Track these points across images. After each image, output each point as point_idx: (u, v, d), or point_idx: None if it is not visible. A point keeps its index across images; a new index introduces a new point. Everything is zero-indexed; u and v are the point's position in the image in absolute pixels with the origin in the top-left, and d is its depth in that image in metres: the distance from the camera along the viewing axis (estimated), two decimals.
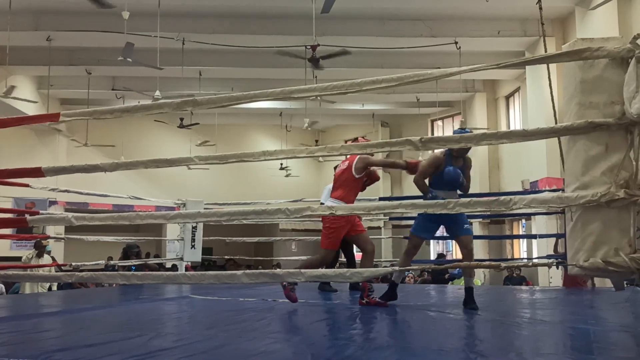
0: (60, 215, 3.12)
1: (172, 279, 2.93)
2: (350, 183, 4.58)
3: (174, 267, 11.22)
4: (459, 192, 4.53)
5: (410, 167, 4.45)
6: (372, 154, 4.61)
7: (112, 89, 15.21)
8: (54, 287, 8.39)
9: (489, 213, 6.14)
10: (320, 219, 5.88)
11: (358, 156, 4.56)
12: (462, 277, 10.96)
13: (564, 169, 2.53)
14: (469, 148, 4.31)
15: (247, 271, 2.83)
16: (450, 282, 11.19)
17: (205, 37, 12.08)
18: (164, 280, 3.47)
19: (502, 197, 2.50)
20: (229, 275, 2.80)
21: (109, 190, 8.46)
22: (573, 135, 2.47)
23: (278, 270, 2.92)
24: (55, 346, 3.09)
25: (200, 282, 2.85)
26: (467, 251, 4.45)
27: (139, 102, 15.61)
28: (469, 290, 4.57)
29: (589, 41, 2.48)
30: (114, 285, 7.78)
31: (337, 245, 4.53)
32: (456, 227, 4.45)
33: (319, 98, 13.27)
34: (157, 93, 11.40)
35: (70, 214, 3.07)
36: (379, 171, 5.06)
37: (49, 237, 7.97)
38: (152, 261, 10.83)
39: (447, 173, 4.26)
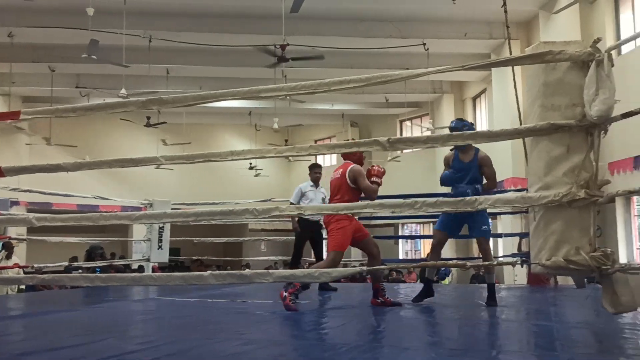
0: (21, 216, 3.05)
1: (138, 280, 2.89)
2: (347, 190, 4.54)
3: (141, 268, 11.05)
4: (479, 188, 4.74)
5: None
6: (361, 171, 4.57)
7: (76, 87, 14.90)
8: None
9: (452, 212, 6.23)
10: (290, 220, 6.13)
11: (350, 167, 4.55)
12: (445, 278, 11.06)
13: (528, 169, 2.58)
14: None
15: (215, 272, 2.80)
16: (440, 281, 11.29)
17: (173, 35, 11.93)
18: (130, 282, 3.41)
19: (468, 197, 2.54)
20: (196, 277, 2.77)
21: (73, 190, 8.29)
22: (536, 136, 2.52)
23: (246, 271, 2.90)
24: (19, 350, 3.01)
25: (167, 284, 2.81)
26: (482, 251, 4.74)
27: (104, 100, 15.36)
28: (490, 286, 4.83)
29: (551, 44, 2.53)
30: (79, 287, 7.65)
31: (345, 245, 4.47)
32: (474, 228, 4.74)
33: (288, 97, 13.26)
34: (123, 91, 11.21)
35: (31, 215, 3.00)
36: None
37: (13, 239, 7.79)
38: (118, 262, 10.67)
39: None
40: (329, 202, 4.78)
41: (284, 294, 4.35)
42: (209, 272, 2.78)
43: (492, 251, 4.87)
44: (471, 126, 4.90)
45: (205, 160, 2.89)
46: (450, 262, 5.76)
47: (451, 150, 4.91)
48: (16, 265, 7.31)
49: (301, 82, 2.97)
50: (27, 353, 2.92)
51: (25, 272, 7.48)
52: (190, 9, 11.60)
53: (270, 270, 2.73)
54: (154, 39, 11.80)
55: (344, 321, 4.18)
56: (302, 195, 6.38)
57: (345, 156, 4.78)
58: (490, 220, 5.03)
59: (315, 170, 6.56)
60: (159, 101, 2.89)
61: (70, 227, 3.32)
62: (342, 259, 4.86)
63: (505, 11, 8.04)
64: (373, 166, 4.65)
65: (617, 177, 9.49)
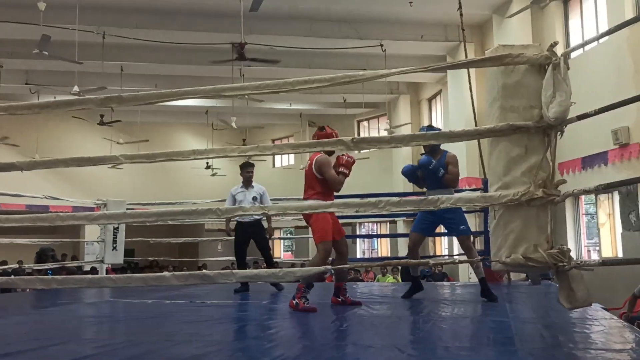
0: None
1: (96, 282, 2.81)
2: (316, 182, 4.46)
3: (94, 270, 10.78)
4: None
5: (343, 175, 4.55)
6: (327, 160, 4.49)
7: (26, 84, 14.40)
8: None
9: (414, 212, 6.36)
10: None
11: (316, 157, 4.45)
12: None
13: (488, 169, 2.64)
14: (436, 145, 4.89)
15: (176, 273, 2.76)
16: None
17: (127, 32, 11.67)
18: (87, 284, 3.32)
19: (430, 197, 2.58)
20: (157, 278, 2.72)
21: (21, 189, 7.98)
22: (496, 137, 2.58)
23: (209, 271, 2.87)
24: None
25: (127, 285, 2.75)
26: (465, 248, 4.96)
27: (54, 98, 14.89)
28: (482, 281, 5.00)
29: (510, 48, 2.60)
30: (28, 290, 7.40)
31: (329, 233, 4.40)
32: (453, 229, 5.04)
33: (246, 97, 13.17)
34: (76, 88, 10.89)
35: None
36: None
37: None
38: (71, 264, 10.37)
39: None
40: (303, 197, 4.56)
41: (294, 302, 4.31)
42: (170, 273, 2.73)
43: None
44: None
45: (167, 160, 2.84)
46: (412, 261, 5.87)
47: (422, 154, 5.16)
48: None
49: (263, 81, 2.95)
50: None
51: None
52: (145, 5, 11.39)
53: (234, 271, 2.71)
54: (107, 35, 11.52)
55: (306, 320, 4.19)
56: (234, 198, 6.15)
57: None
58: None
59: (246, 170, 6.24)
60: (118, 99, 2.82)
61: (18, 228, 3.19)
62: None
63: (461, 14, 8.23)
64: (342, 155, 4.52)
65: (566, 176, 9.82)
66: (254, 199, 6.05)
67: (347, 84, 2.74)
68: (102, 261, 8.32)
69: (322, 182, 4.46)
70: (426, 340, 3.28)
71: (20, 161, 2.93)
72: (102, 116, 14.45)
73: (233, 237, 6.56)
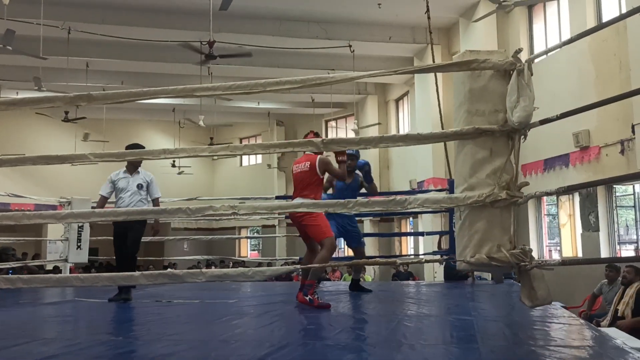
0: None
1: (63, 281, 2.78)
2: (316, 184, 4.55)
3: (56, 269, 10.58)
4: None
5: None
6: (329, 160, 4.63)
7: None
8: None
9: (382, 212, 6.48)
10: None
11: (319, 158, 4.54)
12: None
13: (455, 171, 2.71)
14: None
15: (145, 272, 2.75)
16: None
17: (93, 27, 11.47)
18: (54, 283, 3.28)
19: (399, 197, 2.64)
20: (126, 277, 2.71)
21: None
22: (462, 140, 2.66)
23: (178, 270, 2.87)
24: None
25: (95, 285, 2.73)
26: (362, 254, 5.52)
27: (17, 93, 14.53)
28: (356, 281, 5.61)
29: (477, 53, 2.68)
30: None
31: (330, 228, 4.55)
32: (355, 239, 5.56)
33: (215, 95, 13.08)
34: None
35: None
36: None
37: None
38: (33, 263, 10.15)
39: None
40: (294, 196, 4.63)
41: (306, 297, 4.33)
42: (139, 272, 2.72)
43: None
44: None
45: (137, 159, 2.83)
46: (381, 259, 6.02)
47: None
48: None
49: (232, 79, 2.97)
50: None
51: None
52: (112, 1, 11.21)
53: (203, 270, 2.72)
54: (73, 30, 11.30)
55: (272, 319, 4.21)
56: (113, 185, 5.36)
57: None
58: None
59: None
60: (88, 97, 2.79)
61: None
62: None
63: (429, 17, 8.36)
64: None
65: (529, 178, 10.07)
66: (139, 186, 5.30)
67: (318, 86, 2.78)
68: (66, 260, 8.18)
69: (318, 182, 4.57)
70: (391, 339, 3.34)
71: None
72: (66, 112, 14.16)
73: (198, 237, 6.44)
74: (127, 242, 5.27)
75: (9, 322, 4.08)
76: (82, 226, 8.12)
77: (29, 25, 10.21)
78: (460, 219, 2.64)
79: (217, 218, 11.97)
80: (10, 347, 3.04)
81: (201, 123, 14.63)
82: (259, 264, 15.65)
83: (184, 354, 2.87)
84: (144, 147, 5.23)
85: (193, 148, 2.89)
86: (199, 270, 2.68)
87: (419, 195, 2.86)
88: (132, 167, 5.28)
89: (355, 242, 5.53)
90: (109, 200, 5.49)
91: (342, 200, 2.71)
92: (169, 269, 9.38)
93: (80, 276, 2.73)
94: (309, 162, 4.59)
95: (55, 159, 2.84)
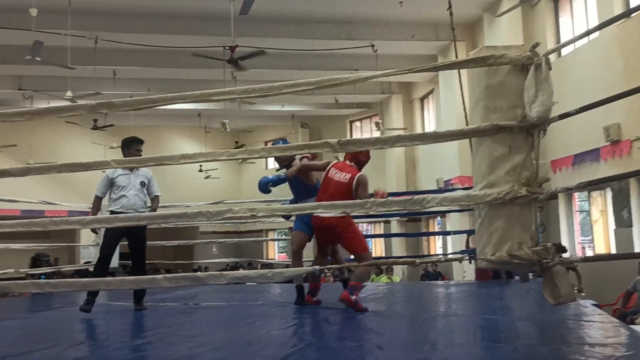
0: None
1: (89, 285, 2.84)
2: (346, 196, 4.42)
3: (89, 273, 10.78)
4: None
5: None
6: (367, 182, 4.57)
7: (19, 89, 14.38)
8: None
9: (405, 211, 6.41)
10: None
11: (359, 177, 4.49)
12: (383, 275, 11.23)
13: (473, 168, 2.68)
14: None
15: (168, 275, 2.80)
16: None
17: (120, 37, 11.68)
18: (81, 287, 3.35)
19: (417, 196, 2.62)
20: (149, 280, 2.75)
21: (17, 194, 7.97)
22: (480, 137, 2.63)
23: (199, 273, 2.90)
24: None
25: (120, 288, 2.79)
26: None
27: (48, 103, 14.87)
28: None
29: (493, 49, 2.65)
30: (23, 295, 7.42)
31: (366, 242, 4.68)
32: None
33: (238, 100, 13.18)
34: (69, 93, 10.89)
35: None
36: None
37: None
38: (66, 268, 10.38)
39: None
40: (321, 199, 4.41)
41: (353, 297, 4.28)
42: (162, 275, 2.76)
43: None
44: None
45: (157, 164, 2.87)
46: (400, 259, 5.91)
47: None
48: None
49: (254, 83, 2.99)
50: None
51: None
52: (137, 9, 11.39)
53: (224, 272, 2.75)
54: (100, 40, 11.52)
55: (296, 320, 4.23)
56: (111, 182, 4.82)
57: (352, 156, 4.61)
58: None
59: (135, 148, 4.84)
60: (108, 105, 2.85)
61: (12, 234, 3.19)
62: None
63: (451, 14, 8.25)
64: (380, 191, 4.62)
65: (558, 174, 9.89)
66: (142, 184, 4.89)
67: (334, 86, 2.78)
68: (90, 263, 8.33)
69: (350, 197, 4.43)
70: (414, 339, 3.32)
71: (13, 167, 2.96)
72: (95, 120, 14.46)
73: (227, 240, 6.33)
74: (134, 246, 4.86)
75: (41, 325, 4.18)
76: None
77: (57, 36, 10.43)
78: (479, 217, 2.61)
79: (244, 221, 12.03)
80: (39, 351, 3.11)
81: (225, 127, 14.76)
82: (287, 266, 15.70)
83: (207, 355, 2.90)
84: (143, 141, 4.96)
85: (211, 152, 2.93)
86: (220, 272, 2.71)
87: (437, 194, 2.84)
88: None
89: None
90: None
91: (360, 201, 2.71)
92: (198, 272, 9.46)
93: (106, 280, 2.79)
94: (349, 175, 4.50)
95: (79, 166, 2.90)
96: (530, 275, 5.03)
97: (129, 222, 2.87)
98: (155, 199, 5.06)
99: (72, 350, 3.11)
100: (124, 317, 4.60)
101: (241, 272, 2.80)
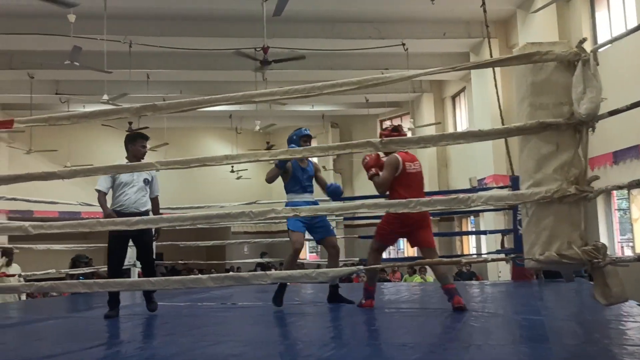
0: (16, 224, 3.03)
1: (135, 285, 2.89)
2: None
3: (126, 274, 10.98)
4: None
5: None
6: None
7: (56, 93, 14.73)
8: (23, 296, 8.07)
9: (442, 211, 6.34)
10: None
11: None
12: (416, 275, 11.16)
13: (519, 167, 2.64)
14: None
15: (212, 275, 2.83)
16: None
17: (152, 40, 11.88)
18: (127, 287, 3.42)
19: (462, 195, 2.60)
20: (194, 280, 2.79)
21: (53, 196, 8.16)
22: (526, 135, 2.59)
23: (243, 273, 2.93)
24: (14, 359, 3.00)
25: (165, 288, 2.83)
26: (335, 247, 4.84)
27: (83, 107, 15.20)
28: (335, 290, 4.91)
29: (538, 45, 2.61)
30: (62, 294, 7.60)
31: None
32: (322, 232, 4.89)
33: (272, 101, 13.26)
34: (105, 97, 11.13)
35: (27, 223, 2.99)
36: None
37: (14, 247, 7.70)
38: (104, 269, 10.56)
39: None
40: (405, 193, 4.20)
41: (460, 298, 4.25)
42: (206, 275, 2.80)
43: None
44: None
45: (201, 165, 2.91)
46: (445, 259, 5.84)
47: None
48: (3, 274, 7.22)
49: (286, 83, 3.00)
50: None
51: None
52: (169, 13, 11.56)
53: (268, 272, 2.77)
54: (134, 43, 11.73)
55: (335, 320, 4.24)
56: (113, 179, 4.50)
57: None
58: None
59: (141, 144, 4.60)
60: (152, 107, 2.90)
61: (53, 235, 3.27)
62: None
63: (485, 10, 8.20)
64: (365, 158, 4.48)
65: (597, 172, 9.68)
66: (146, 181, 4.61)
67: (375, 86, 2.77)
68: (134, 265, 8.47)
69: None
70: (458, 339, 3.29)
71: (61, 170, 3.04)
72: (130, 123, 14.71)
73: (259, 240, 6.23)
74: (140, 248, 4.54)
75: (83, 325, 4.27)
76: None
77: (92, 41, 10.65)
78: (527, 216, 2.57)
79: (277, 221, 12.09)
80: (86, 349, 3.18)
81: (257, 128, 14.86)
82: (318, 266, 15.73)
83: (252, 354, 2.92)
84: (148, 137, 4.74)
85: (254, 153, 2.95)
86: (264, 272, 2.73)
87: (482, 193, 2.80)
88: (135, 160, 4.48)
89: (321, 233, 4.88)
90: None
91: (403, 201, 2.70)
92: (240, 272, 9.55)
93: (151, 280, 2.84)
94: (419, 163, 4.48)
95: (126, 167, 2.96)
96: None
97: (173, 223, 2.91)
98: (155, 200, 4.77)
99: (118, 348, 3.17)
100: (163, 317, 4.66)
101: (285, 272, 2.82)
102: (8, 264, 7.76)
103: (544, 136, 2.54)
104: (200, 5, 11.33)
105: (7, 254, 7.80)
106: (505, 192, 2.42)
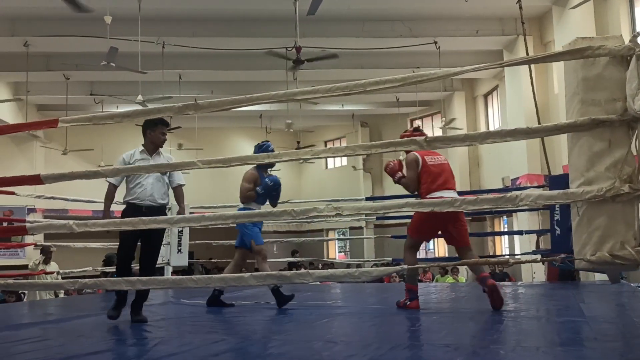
0: (61, 222, 3.08)
1: (177, 283, 2.91)
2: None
3: (159, 272, 11.12)
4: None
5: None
6: None
7: (90, 94, 15.00)
8: (61, 294, 8.24)
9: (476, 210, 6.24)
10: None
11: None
12: (448, 275, 11.04)
13: (570, 165, 2.58)
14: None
15: (255, 273, 2.82)
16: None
17: (185, 41, 11.99)
18: (170, 285, 3.45)
19: (509, 194, 2.54)
20: (237, 279, 2.79)
21: (87, 195, 8.28)
22: (576, 132, 2.52)
23: (285, 272, 2.92)
24: (60, 355, 3.05)
25: (207, 285, 2.84)
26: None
27: (117, 107, 15.44)
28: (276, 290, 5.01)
29: (590, 40, 2.54)
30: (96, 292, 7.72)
31: None
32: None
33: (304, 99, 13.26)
34: (140, 97, 11.28)
35: (71, 221, 3.03)
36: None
37: (52, 245, 7.87)
38: (136, 267, 10.70)
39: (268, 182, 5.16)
40: (447, 188, 4.39)
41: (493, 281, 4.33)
42: (249, 273, 2.79)
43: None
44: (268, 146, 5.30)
45: (242, 164, 2.91)
46: (492, 259, 5.73)
47: (254, 169, 5.35)
48: (42, 272, 7.38)
49: (317, 82, 2.98)
50: (68, 358, 2.95)
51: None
52: (201, 14, 11.66)
53: (310, 271, 2.75)
54: (167, 44, 11.86)
55: (374, 321, 4.20)
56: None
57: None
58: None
59: (160, 131, 4.17)
60: (195, 106, 2.91)
61: (86, 233, 3.28)
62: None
63: (520, 7, 8.06)
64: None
65: None
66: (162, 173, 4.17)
67: (419, 83, 2.73)
68: (168, 263, 8.57)
69: None
70: (502, 340, 3.23)
71: (104, 168, 3.07)
72: None
73: (282, 240, 6.28)
74: (149, 244, 4.11)
75: (124, 323, 4.31)
76: (182, 231, 8.48)
77: (126, 42, 10.80)
78: (577, 215, 2.50)
79: (309, 221, 12.09)
80: (130, 346, 3.21)
81: (288, 126, 14.89)
82: (348, 265, 15.70)
83: (294, 354, 2.91)
84: (169, 124, 4.49)
85: (295, 152, 2.94)
86: (306, 271, 2.72)
87: (530, 191, 2.74)
88: (153, 147, 4.18)
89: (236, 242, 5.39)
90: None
91: (448, 199, 2.65)
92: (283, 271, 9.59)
93: (193, 278, 2.85)
94: (442, 156, 4.56)
95: (167, 167, 2.98)
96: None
97: (216, 221, 2.91)
98: (178, 189, 4.30)
99: (161, 346, 3.19)
100: (200, 316, 4.69)
101: (327, 270, 2.80)
102: (46, 262, 7.92)
103: (596, 133, 2.47)
104: (231, 6, 11.39)
105: (45, 252, 7.95)
106: (555, 191, 2.35)
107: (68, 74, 13.40)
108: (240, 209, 5.08)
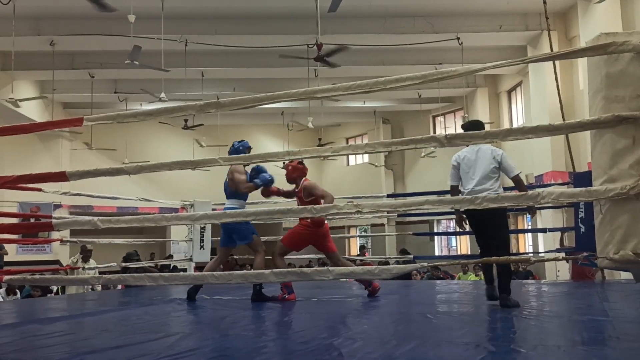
0: (85, 219, 3.13)
1: (200, 279, 2.94)
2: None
3: (175, 269, 11.31)
4: None
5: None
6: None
7: (115, 92, 15.20)
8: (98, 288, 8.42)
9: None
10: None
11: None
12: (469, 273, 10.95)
13: (592, 162, 2.55)
14: None
15: (275, 270, 2.84)
16: None
17: (207, 39, 12.09)
18: (192, 281, 3.49)
19: (531, 192, 2.53)
20: (257, 275, 2.82)
21: (110, 192, 8.44)
22: (599, 129, 2.49)
23: (305, 269, 2.94)
24: (84, 348, 3.11)
25: (228, 282, 2.87)
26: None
27: (140, 105, 15.62)
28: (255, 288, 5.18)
29: (613, 35, 2.50)
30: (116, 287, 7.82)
31: None
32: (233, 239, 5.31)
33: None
34: (163, 95, 11.41)
35: (95, 218, 3.09)
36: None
37: (67, 240, 8.03)
38: (161, 262, 10.88)
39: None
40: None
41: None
42: (269, 270, 2.82)
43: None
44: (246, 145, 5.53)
45: (262, 161, 2.93)
46: (514, 257, 5.67)
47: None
48: (66, 267, 7.52)
49: (337, 79, 2.99)
50: (93, 352, 3.01)
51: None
52: (223, 12, 11.72)
53: (330, 268, 2.76)
54: (189, 42, 11.97)
55: (392, 317, 4.20)
56: (457, 168, 4.80)
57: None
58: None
59: None
60: (216, 104, 2.94)
61: (114, 229, 3.38)
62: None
63: (544, 2, 7.93)
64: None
65: None
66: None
67: (440, 80, 2.72)
68: (190, 259, 8.67)
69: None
70: (523, 339, 3.21)
71: (127, 165, 3.12)
72: (186, 120, 15.02)
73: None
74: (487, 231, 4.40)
75: (147, 318, 4.38)
76: (204, 227, 8.57)
77: (149, 40, 10.93)
78: (600, 213, 2.47)
79: (330, 217, 12.12)
80: (153, 341, 3.26)
81: (310, 125, 14.91)
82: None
83: (312, 351, 2.93)
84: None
85: (315, 149, 2.95)
86: (326, 268, 2.73)
87: (552, 189, 2.71)
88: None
89: (233, 241, 5.42)
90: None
91: (469, 197, 2.64)
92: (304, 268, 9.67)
93: (215, 274, 2.88)
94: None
95: (189, 164, 3.02)
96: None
97: (236, 218, 2.94)
98: (516, 177, 4.65)
99: (184, 341, 3.24)
100: (222, 311, 4.73)
101: (347, 267, 2.81)
102: (85, 260, 8.11)
103: (619, 130, 2.44)
104: (253, 3, 11.44)
105: (84, 251, 8.15)
106: (577, 189, 2.32)
107: (93, 72, 13.59)
108: (228, 207, 5.05)
